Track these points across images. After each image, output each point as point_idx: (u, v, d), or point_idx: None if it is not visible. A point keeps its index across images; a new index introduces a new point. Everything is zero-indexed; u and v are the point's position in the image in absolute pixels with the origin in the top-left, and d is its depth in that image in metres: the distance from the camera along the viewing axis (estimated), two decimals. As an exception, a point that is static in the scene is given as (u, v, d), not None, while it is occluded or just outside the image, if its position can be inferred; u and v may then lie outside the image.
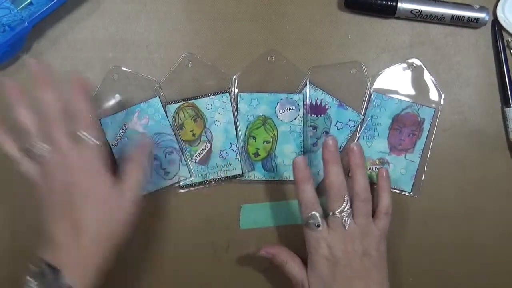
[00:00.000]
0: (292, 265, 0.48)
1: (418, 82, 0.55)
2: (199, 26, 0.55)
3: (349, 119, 0.55)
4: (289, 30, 0.55)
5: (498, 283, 0.56)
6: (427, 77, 0.55)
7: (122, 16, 0.55)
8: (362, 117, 0.55)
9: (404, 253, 0.55)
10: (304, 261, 0.48)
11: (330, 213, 0.45)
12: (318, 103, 0.55)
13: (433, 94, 0.55)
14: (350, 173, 0.47)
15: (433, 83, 0.55)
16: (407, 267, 0.55)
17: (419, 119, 0.55)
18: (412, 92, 0.55)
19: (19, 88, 0.45)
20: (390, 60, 0.55)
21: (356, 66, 0.55)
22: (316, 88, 0.55)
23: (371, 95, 0.55)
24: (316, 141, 0.55)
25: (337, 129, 0.55)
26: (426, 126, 0.55)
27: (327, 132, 0.55)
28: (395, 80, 0.55)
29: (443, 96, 0.55)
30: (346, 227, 0.45)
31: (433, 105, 0.55)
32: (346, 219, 0.45)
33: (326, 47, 0.55)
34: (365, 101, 0.55)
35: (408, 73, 0.55)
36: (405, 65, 0.55)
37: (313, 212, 0.45)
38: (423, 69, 0.55)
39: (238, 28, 0.55)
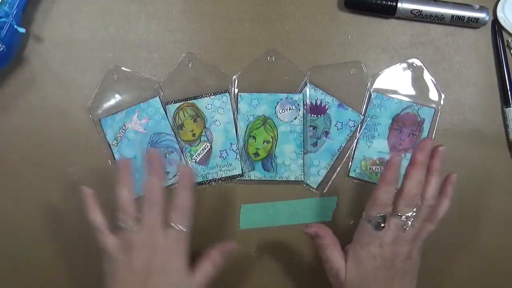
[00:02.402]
0: (333, 251, 0.47)
1: (418, 82, 0.55)
2: (199, 26, 0.55)
3: (349, 119, 0.55)
4: (289, 30, 0.55)
5: (498, 283, 0.56)
6: (427, 77, 0.55)
7: (122, 16, 0.55)
8: (362, 117, 0.55)
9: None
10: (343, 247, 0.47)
11: (395, 214, 0.45)
12: (318, 103, 0.55)
13: (433, 94, 0.55)
14: (426, 174, 0.45)
15: (433, 83, 0.55)
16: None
17: (419, 119, 0.55)
18: (412, 92, 0.55)
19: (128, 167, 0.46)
20: (390, 60, 0.55)
21: (356, 66, 0.55)
22: (316, 88, 0.55)
23: (371, 95, 0.55)
24: (316, 141, 0.55)
25: (337, 129, 0.55)
26: (426, 126, 0.55)
27: (327, 132, 0.55)
28: (395, 80, 0.55)
29: (443, 96, 0.55)
30: (405, 230, 0.45)
31: (433, 105, 0.55)
32: (408, 223, 0.45)
33: (326, 47, 0.55)
34: (365, 101, 0.55)
35: (408, 73, 0.55)
36: (405, 65, 0.55)
37: (384, 214, 0.45)
38: (423, 69, 0.55)
39: (238, 28, 0.55)
